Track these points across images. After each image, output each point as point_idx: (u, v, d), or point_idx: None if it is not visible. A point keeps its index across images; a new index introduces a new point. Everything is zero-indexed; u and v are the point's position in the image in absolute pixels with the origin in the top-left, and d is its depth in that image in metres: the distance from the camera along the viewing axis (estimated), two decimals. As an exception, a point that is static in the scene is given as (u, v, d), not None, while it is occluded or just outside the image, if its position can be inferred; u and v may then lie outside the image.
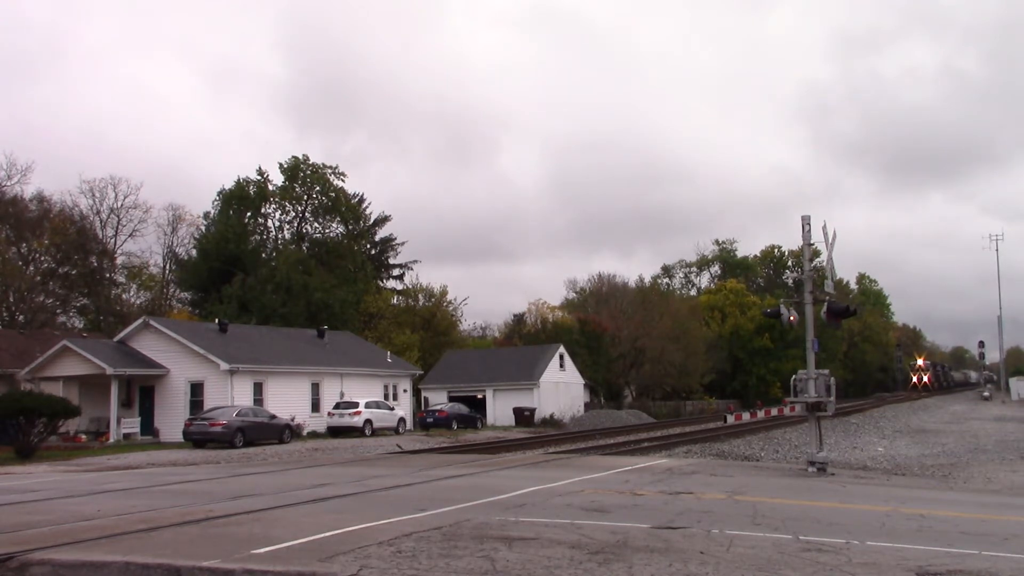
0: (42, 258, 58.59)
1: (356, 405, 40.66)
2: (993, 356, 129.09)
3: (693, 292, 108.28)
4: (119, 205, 63.09)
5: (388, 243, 74.95)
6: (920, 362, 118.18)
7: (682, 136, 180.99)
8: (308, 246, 69.76)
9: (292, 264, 61.33)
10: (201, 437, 32.76)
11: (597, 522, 10.57)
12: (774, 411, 25.20)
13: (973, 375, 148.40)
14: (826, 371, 19.77)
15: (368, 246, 73.82)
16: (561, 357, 58.49)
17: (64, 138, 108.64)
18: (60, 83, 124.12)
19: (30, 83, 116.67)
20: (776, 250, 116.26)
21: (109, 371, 36.13)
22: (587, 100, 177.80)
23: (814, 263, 21.46)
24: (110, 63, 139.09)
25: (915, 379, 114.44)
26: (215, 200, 67.81)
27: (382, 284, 73.46)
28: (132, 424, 37.30)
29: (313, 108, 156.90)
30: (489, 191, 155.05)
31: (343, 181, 70.21)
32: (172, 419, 36.94)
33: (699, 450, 30.61)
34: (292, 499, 13.46)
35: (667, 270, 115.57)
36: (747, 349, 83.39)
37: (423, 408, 52.21)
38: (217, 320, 45.10)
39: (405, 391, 49.17)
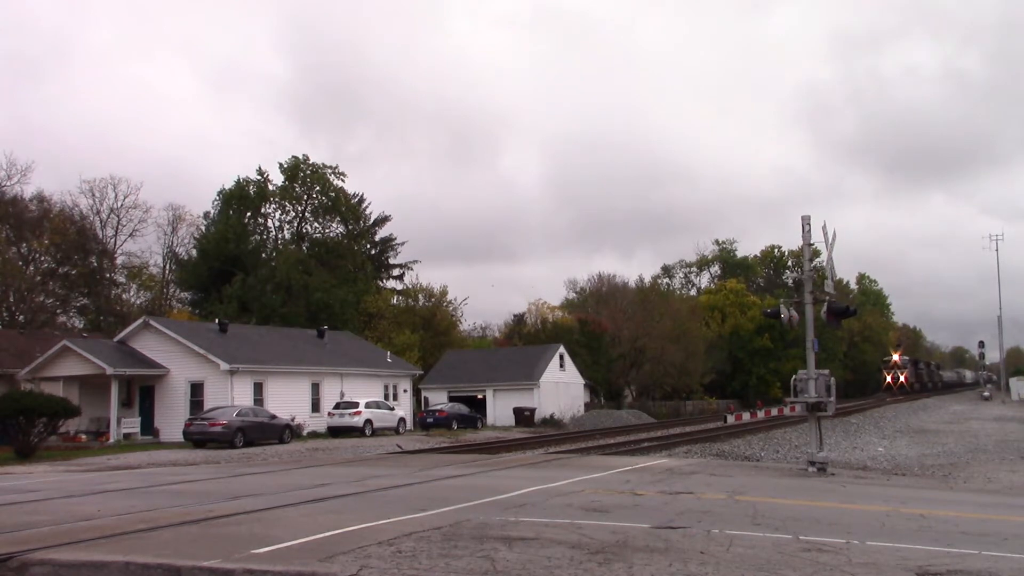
0: (42, 258, 58.59)
1: (356, 405, 40.66)
2: (993, 356, 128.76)
3: (693, 292, 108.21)
4: (119, 205, 63.27)
5: (388, 243, 74.98)
6: (895, 358, 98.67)
7: (682, 136, 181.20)
8: (308, 246, 69.77)
9: (292, 264, 61.35)
10: (201, 437, 32.78)
11: (597, 522, 10.56)
12: (774, 411, 25.14)
13: (968, 374, 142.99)
14: (826, 371, 19.76)
15: (368, 246, 73.84)
16: (561, 357, 58.47)
17: (65, 138, 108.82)
18: (62, 83, 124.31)
19: (33, 84, 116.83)
20: (776, 250, 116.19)
21: (109, 371, 36.13)
22: (588, 100, 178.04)
23: (814, 263, 21.44)
24: (112, 64, 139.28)
25: (888, 379, 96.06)
26: (215, 200, 67.98)
27: (382, 284, 73.47)
28: (132, 424, 37.32)
29: (315, 108, 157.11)
30: (490, 191, 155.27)
31: (343, 181, 70.35)
32: (172, 419, 36.96)
33: (699, 450, 30.61)
34: (292, 499, 13.45)
35: (667, 270, 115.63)
36: (747, 349, 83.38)
37: (423, 408, 52.19)
38: (217, 320, 45.11)
39: (405, 391, 49.18)
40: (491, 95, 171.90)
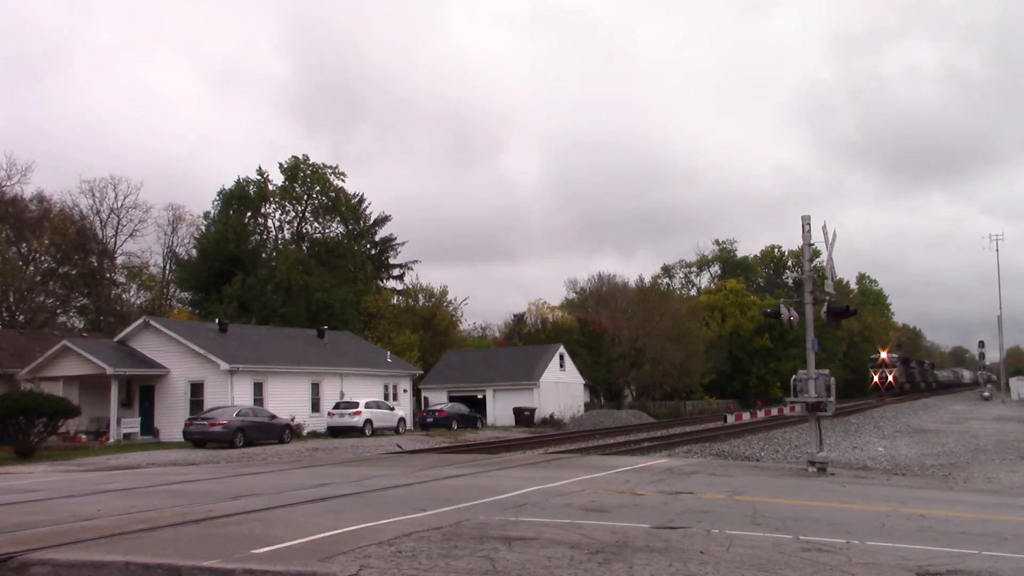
0: (42, 258, 58.57)
1: (356, 405, 40.65)
2: (993, 356, 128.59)
3: (693, 292, 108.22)
4: (119, 205, 63.27)
5: (388, 243, 75.01)
6: (883, 355, 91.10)
7: (682, 136, 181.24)
8: (308, 246, 69.79)
9: (292, 264, 61.35)
10: (201, 437, 32.78)
11: (597, 522, 10.57)
12: (774, 411, 25.11)
13: (966, 374, 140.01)
14: (826, 371, 19.76)
15: (368, 246, 73.86)
16: (561, 357, 58.48)
17: (65, 138, 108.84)
18: (62, 84, 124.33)
19: (33, 84, 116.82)
20: (776, 250, 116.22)
21: (109, 371, 36.13)
22: (588, 100, 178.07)
23: (814, 263, 21.44)
24: (113, 64, 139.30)
25: (875, 378, 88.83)
26: (215, 200, 68.02)
27: (382, 284, 73.50)
28: (132, 424, 37.32)
29: (316, 108, 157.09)
30: (490, 191, 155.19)
31: (343, 181, 70.40)
32: (172, 419, 36.96)
33: (699, 450, 30.61)
34: (292, 499, 13.45)
35: (667, 270, 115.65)
36: (747, 349, 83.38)
37: (423, 408, 52.19)
38: (217, 320, 45.11)
39: (405, 391, 49.18)
40: (491, 95, 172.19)
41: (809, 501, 13.92)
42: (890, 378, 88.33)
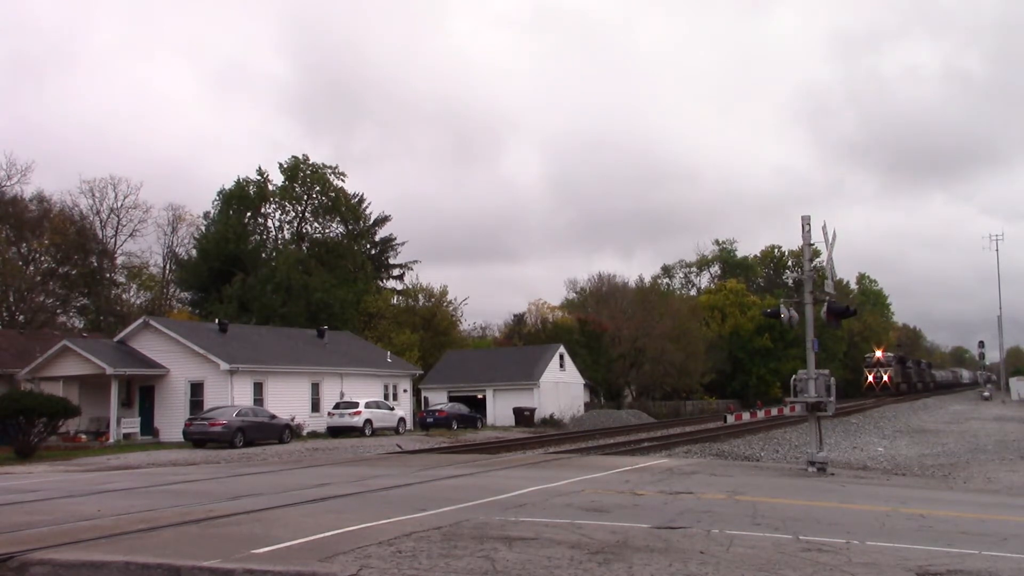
0: (42, 258, 58.63)
1: (356, 405, 40.66)
2: (993, 356, 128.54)
3: (693, 292, 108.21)
4: (119, 205, 63.30)
5: (388, 243, 75.00)
6: (878, 354, 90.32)
7: (682, 136, 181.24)
8: (308, 246, 69.81)
9: (292, 264, 61.38)
10: (201, 437, 32.79)
11: (597, 522, 10.57)
12: (774, 411, 25.09)
13: (966, 374, 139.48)
14: (826, 371, 19.77)
15: (368, 246, 73.87)
16: (561, 357, 58.48)
17: (65, 138, 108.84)
18: (63, 84, 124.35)
19: (34, 84, 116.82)
20: (776, 250, 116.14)
21: (109, 371, 36.13)
22: (588, 100, 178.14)
23: (814, 263, 21.44)
24: (113, 64, 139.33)
25: (871, 378, 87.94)
26: (215, 200, 68.06)
27: (382, 284, 73.51)
28: (132, 424, 37.33)
29: (317, 108, 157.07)
30: (490, 191, 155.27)
31: (343, 181, 70.43)
32: (172, 419, 36.96)
33: (699, 450, 30.62)
34: (292, 499, 13.45)
35: (667, 270, 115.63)
36: (747, 349, 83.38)
37: (423, 408, 52.17)
38: (217, 320, 45.12)
39: (405, 391, 49.18)
40: (491, 95, 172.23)
41: (809, 501, 13.92)
42: (885, 378, 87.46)
